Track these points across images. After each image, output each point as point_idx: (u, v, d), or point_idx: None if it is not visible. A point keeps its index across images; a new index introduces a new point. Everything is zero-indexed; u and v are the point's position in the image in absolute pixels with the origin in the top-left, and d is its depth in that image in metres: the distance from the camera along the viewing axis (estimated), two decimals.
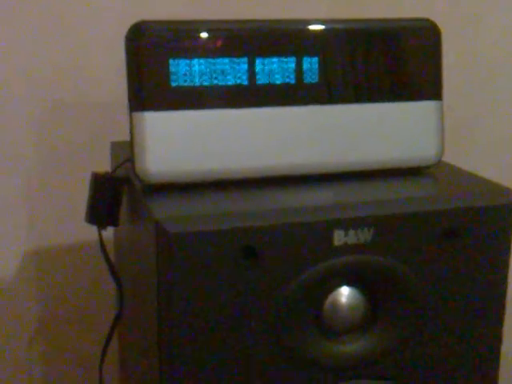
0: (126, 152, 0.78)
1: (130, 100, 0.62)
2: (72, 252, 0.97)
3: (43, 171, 0.94)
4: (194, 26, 0.62)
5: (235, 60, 0.62)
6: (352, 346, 0.59)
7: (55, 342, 0.99)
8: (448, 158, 0.73)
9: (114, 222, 0.71)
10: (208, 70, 0.62)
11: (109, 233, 0.94)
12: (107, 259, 0.72)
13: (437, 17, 0.70)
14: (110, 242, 0.95)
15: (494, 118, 0.94)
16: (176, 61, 0.61)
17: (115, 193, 0.70)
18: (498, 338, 0.63)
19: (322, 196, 0.60)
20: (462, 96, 0.97)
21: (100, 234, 0.72)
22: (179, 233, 0.54)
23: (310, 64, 0.64)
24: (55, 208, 0.96)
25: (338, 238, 0.57)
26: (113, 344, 1.00)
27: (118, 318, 0.73)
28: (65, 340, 0.99)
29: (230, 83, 0.62)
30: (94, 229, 0.96)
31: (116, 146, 0.85)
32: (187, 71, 0.61)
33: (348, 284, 0.59)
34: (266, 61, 0.63)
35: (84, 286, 0.98)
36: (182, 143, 0.62)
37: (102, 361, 0.76)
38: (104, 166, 0.94)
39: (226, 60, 0.62)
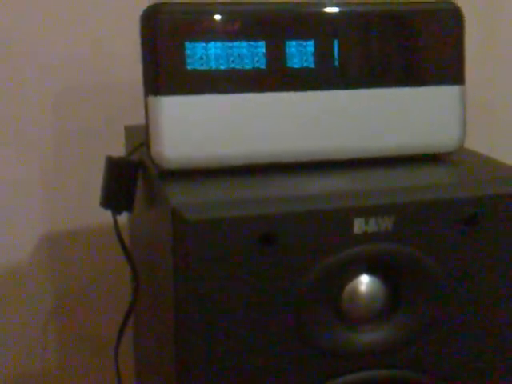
0: (141, 136, 0.77)
1: (145, 84, 0.61)
2: (86, 236, 0.97)
3: (57, 154, 0.94)
4: (211, 8, 0.61)
5: (253, 43, 0.61)
6: (372, 335, 0.59)
7: (69, 327, 0.99)
8: (469, 143, 0.71)
9: (128, 207, 0.70)
10: (225, 53, 0.61)
11: (123, 217, 0.94)
12: (123, 245, 0.72)
13: None
14: (124, 226, 0.95)
15: None
16: (192, 43, 0.60)
17: (130, 177, 0.69)
18: None
19: (341, 183, 0.59)
20: (485, 80, 0.96)
21: (115, 220, 0.71)
22: (197, 220, 0.53)
23: (329, 48, 0.62)
24: (69, 192, 0.95)
25: (359, 225, 0.56)
26: (127, 328, 1.00)
27: (132, 304, 0.73)
28: (79, 324, 0.99)
29: (247, 67, 0.61)
30: (108, 213, 0.95)
31: (130, 130, 0.84)
32: (203, 54, 0.60)
33: (368, 272, 0.58)
34: (285, 44, 0.62)
35: (98, 271, 0.98)
36: (198, 128, 0.61)
37: (118, 347, 0.75)
38: (118, 149, 0.94)
39: (244, 43, 0.61)
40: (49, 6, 0.90)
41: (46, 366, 0.99)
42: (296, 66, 0.62)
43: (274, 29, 0.61)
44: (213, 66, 0.61)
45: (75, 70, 0.92)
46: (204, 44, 0.60)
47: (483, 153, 0.70)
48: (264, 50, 0.61)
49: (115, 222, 0.71)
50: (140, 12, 0.61)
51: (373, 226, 0.56)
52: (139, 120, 0.93)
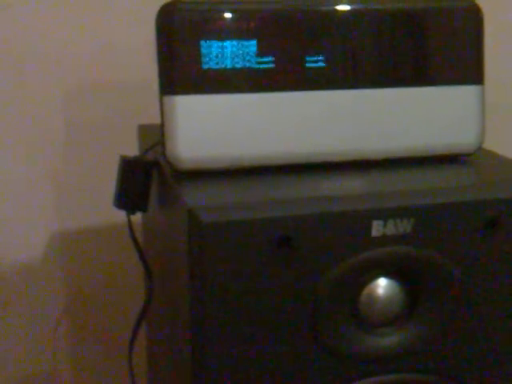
0: (154, 135, 0.77)
1: (160, 83, 0.60)
2: (98, 235, 0.96)
3: (69, 153, 0.93)
4: (227, 7, 0.60)
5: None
6: (390, 339, 0.58)
7: (81, 326, 0.99)
8: (489, 144, 0.71)
9: (142, 207, 0.70)
10: (241, 52, 0.60)
11: (136, 215, 0.94)
12: (137, 244, 0.71)
13: None
14: (136, 224, 0.94)
15: None
16: (208, 42, 0.59)
17: (144, 177, 0.69)
18: None
19: (358, 185, 0.59)
20: (504, 79, 0.95)
21: (129, 220, 0.70)
22: (213, 222, 0.52)
23: (344, 47, 0.62)
24: (81, 190, 0.95)
25: (377, 228, 0.55)
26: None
27: (146, 305, 0.72)
28: (91, 324, 0.99)
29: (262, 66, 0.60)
30: (120, 212, 0.95)
31: (144, 129, 0.84)
32: (219, 53, 0.60)
33: (385, 275, 0.57)
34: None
35: (110, 270, 0.98)
36: (214, 128, 0.60)
37: (131, 349, 0.75)
38: (130, 148, 0.93)
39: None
40: (62, 3, 0.89)
41: (57, 366, 0.99)
42: (311, 66, 0.61)
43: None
44: (228, 64, 0.60)
45: (86, 68, 0.92)
46: (220, 43, 0.59)
47: (503, 154, 0.69)
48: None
49: (129, 222, 0.70)
50: (155, 9, 0.61)
51: (391, 228, 0.55)
52: (151, 119, 0.92)
